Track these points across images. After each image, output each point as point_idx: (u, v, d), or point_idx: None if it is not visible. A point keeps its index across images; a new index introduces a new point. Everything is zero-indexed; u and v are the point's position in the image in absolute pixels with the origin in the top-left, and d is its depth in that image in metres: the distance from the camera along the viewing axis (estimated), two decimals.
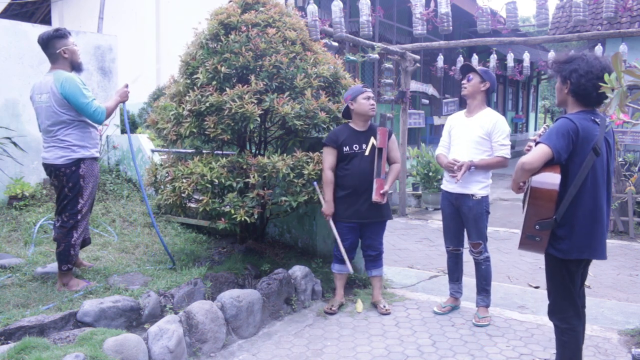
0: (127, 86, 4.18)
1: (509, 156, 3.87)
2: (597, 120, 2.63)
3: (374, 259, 4.15)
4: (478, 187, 3.86)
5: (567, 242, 2.63)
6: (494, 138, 3.83)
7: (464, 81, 3.95)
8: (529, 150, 2.93)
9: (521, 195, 2.89)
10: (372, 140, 3.96)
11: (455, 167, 3.79)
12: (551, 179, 2.55)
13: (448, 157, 4.00)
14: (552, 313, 2.83)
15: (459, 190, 3.88)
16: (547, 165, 2.55)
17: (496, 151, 3.84)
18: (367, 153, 3.95)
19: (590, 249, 2.66)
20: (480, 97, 3.92)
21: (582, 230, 2.62)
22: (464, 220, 3.95)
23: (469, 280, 4.45)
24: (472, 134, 3.87)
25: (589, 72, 2.57)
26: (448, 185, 3.98)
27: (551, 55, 8.65)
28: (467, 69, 3.98)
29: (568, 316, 2.76)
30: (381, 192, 3.87)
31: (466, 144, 3.89)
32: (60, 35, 3.85)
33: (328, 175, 3.97)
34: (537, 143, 2.62)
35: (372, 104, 3.98)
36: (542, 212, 2.57)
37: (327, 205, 3.98)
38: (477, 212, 3.86)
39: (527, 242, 2.65)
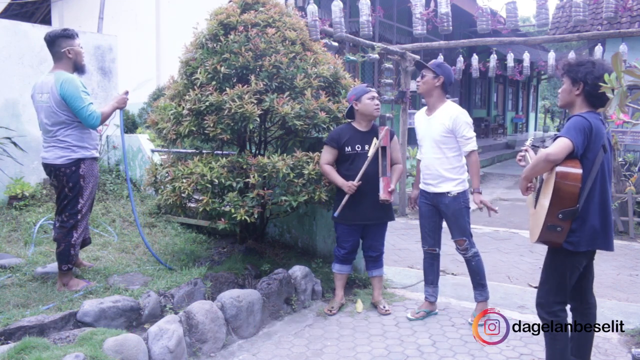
0: (127, 93, 4.17)
1: (476, 147, 3.80)
2: (602, 120, 2.74)
3: (375, 259, 4.15)
4: (452, 184, 3.81)
5: (577, 234, 2.67)
6: (458, 133, 3.76)
7: (418, 79, 3.89)
8: (521, 159, 3.05)
9: (521, 195, 2.91)
10: (375, 140, 3.94)
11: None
12: (574, 168, 2.61)
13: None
14: (541, 306, 2.85)
15: (434, 189, 3.87)
16: (566, 159, 2.62)
17: (463, 147, 3.78)
18: (369, 154, 3.92)
19: (600, 240, 2.72)
20: (437, 93, 3.84)
21: (592, 223, 2.68)
22: (444, 218, 3.93)
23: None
24: (434, 133, 3.82)
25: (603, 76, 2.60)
26: (424, 184, 3.96)
27: (551, 55, 8.64)
28: (419, 66, 3.92)
29: (557, 310, 2.79)
30: (389, 190, 3.85)
31: (430, 144, 3.86)
32: (68, 35, 3.87)
33: (325, 167, 3.95)
34: (555, 138, 2.67)
35: (377, 104, 3.96)
36: (566, 201, 2.62)
37: (345, 185, 3.85)
38: (454, 208, 3.82)
39: (547, 232, 2.68)
